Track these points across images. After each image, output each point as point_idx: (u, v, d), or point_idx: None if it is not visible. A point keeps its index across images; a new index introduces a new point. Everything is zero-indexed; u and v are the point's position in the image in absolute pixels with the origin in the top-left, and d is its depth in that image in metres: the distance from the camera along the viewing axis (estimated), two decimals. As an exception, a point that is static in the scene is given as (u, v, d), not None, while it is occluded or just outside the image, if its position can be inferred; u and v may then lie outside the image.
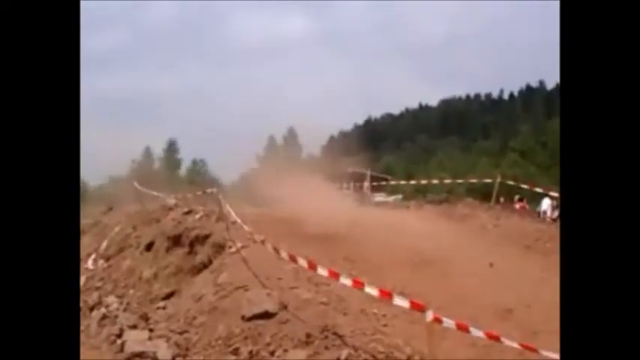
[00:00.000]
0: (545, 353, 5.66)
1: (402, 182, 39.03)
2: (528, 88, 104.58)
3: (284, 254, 8.75)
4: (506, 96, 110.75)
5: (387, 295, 6.98)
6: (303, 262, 8.30)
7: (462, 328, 6.49)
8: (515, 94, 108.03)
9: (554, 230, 13.56)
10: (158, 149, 66.51)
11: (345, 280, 7.61)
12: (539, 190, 20.86)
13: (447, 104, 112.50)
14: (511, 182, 23.70)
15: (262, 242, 9.76)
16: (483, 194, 25.95)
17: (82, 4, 4.50)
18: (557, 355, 5.22)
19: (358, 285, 7.41)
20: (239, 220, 10.67)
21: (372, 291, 7.18)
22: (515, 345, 6.24)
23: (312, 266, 8.08)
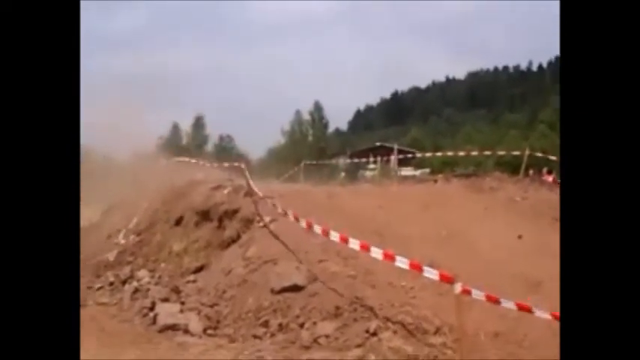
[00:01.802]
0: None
1: (429, 154, 38.74)
2: (558, 59, 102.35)
3: (317, 228, 8.78)
4: (535, 68, 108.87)
5: (417, 268, 6.97)
6: (335, 236, 8.30)
7: (492, 300, 6.48)
8: (545, 65, 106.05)
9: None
10: (185, 125, 66.99)
11: (376, 253, 7.56)
12: (567, 162, 20.50)
13: (474, 77, 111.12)
14: (539, 154, 23.38)
15: (285, 214, 9.80)
16: (512, 167, 25.65)
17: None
18: None
19: (389, 258, 7.40)
20: (260, 194, 10.74)
21: (402, 264, 7.15)
22: (547, 316, 6.21)
23: (344, 239, 8.06)
